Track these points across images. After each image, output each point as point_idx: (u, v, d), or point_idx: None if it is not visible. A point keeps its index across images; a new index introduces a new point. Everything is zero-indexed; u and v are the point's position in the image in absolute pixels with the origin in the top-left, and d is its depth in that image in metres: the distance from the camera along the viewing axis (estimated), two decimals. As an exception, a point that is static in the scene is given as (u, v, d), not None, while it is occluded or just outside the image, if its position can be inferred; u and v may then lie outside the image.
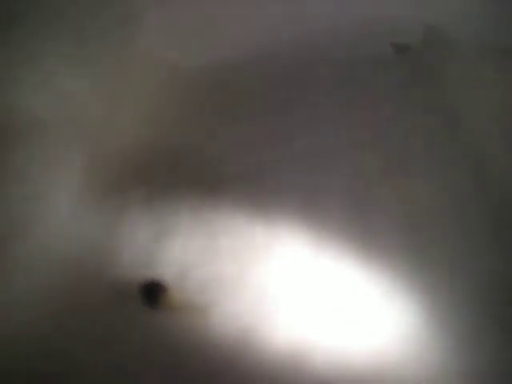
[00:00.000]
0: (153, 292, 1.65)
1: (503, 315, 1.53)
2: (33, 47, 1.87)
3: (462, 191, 1.85)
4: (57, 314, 1.61)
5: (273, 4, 2.34)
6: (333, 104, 2.23)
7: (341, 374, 1.46)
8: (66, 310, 1.63)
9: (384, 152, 2.02)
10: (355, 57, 2.34)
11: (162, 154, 2.11)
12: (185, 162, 2.08)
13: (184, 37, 2.33)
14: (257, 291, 1.66)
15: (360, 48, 2.32)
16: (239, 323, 1.58)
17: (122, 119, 2.12)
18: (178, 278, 1.69)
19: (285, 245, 1.79)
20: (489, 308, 1.55)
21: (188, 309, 1.62)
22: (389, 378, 1.44)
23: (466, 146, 1.98)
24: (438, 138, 2.04)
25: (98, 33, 2.08)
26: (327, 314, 1.60)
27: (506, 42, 2.14)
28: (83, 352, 1.54)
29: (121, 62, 2.18)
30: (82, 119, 1.99)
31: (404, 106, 2.18)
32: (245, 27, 2.34)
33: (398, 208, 1.83)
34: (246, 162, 2.03)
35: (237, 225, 1.85)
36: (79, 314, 1.63)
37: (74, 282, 1.71)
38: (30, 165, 1.81)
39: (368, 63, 2.34)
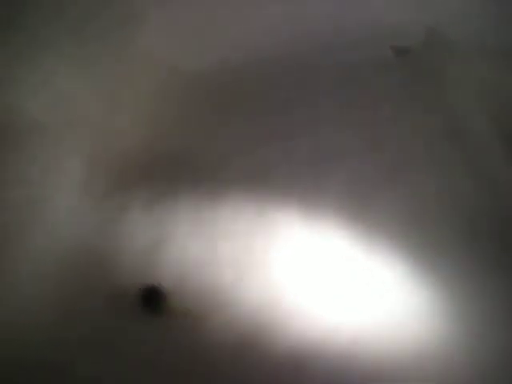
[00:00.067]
0: (152, 298, 1.64)
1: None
2: (33, 47, 1.86)
3: (462, 191, 1.85)
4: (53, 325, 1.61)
5: (273, 4, 2.34)
6: (333, 104, 2.22)
7: (342, 381, 1.45)
8: (65, 314, 1.63)
9: (384, 152, 2.02)
10: (356, 57, 2.33)
11: (161, 154, 2.11)
12: (185, 162, 2.08)
13: (184, 37, 2.33)
14: (257, 295, 1.64)
15: (360, 49, 2.32)
16: (239, 328, 1.57)
17: (122, 119, 2.11)
18: (178, 281, 1.69)
19: (285, 247, 1.78)
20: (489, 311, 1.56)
21: (187, 313, 1.61)
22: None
23: (466, 146, 1.99)
24: (438, 138, 2.04)
25: (98, 33, 2.08)
26: (328, 319, 1.59)
27: (506, 43, 2.14)
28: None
29: (121, 62, 2.17)
30: (82, 119, 1.99)
31: (404, 106, 2.18)
32: (245, 27, 2.34)
33: (399, 208, 1.83)
34: (246, 162, 2.02)
35: (237, 225, 1.84)
36: (78, 320, 1.62)
37: (72, 284, 1.71)
38: (30, 165, 1.81)
39: (368, 65, 2.34)
